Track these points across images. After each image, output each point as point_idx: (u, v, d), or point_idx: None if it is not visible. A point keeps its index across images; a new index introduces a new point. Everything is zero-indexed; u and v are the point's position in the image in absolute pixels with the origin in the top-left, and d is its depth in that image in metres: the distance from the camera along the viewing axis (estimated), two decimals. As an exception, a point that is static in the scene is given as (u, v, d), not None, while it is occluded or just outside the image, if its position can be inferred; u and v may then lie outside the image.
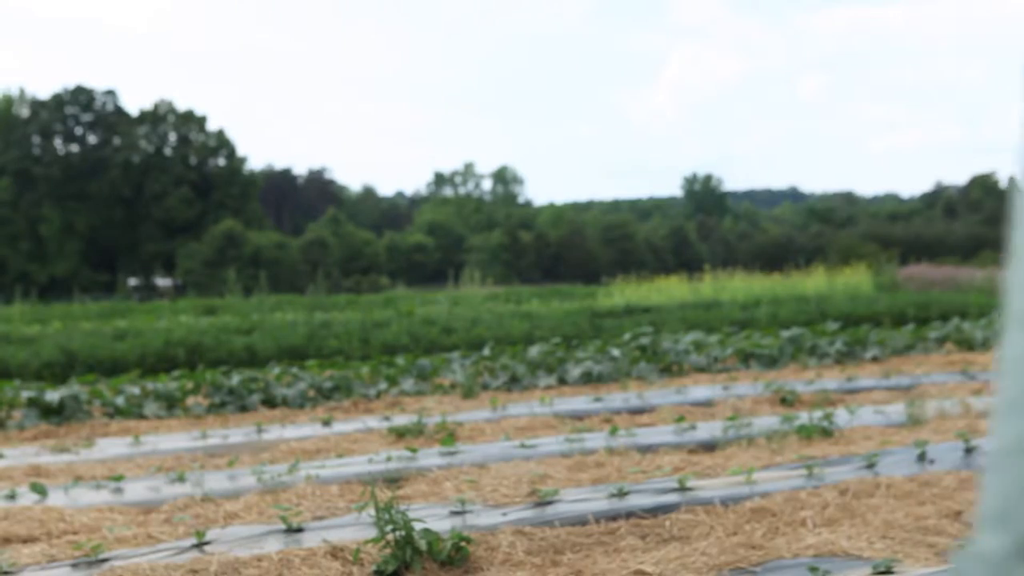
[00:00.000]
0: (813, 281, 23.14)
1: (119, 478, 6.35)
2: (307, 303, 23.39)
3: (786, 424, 7.59)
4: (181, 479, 6.34)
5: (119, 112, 66.98)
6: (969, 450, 6.45)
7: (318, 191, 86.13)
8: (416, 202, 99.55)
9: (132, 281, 68.84)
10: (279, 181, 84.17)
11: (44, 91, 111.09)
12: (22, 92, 66.50)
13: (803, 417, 7.76)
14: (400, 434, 7.78)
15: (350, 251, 64.61)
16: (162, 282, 69.78)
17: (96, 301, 50.05)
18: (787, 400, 9.03)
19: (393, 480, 6.33)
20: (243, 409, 9.37)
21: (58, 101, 65.80)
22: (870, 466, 6.14)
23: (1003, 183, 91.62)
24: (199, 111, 69.70)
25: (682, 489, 5.75)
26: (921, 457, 6.29)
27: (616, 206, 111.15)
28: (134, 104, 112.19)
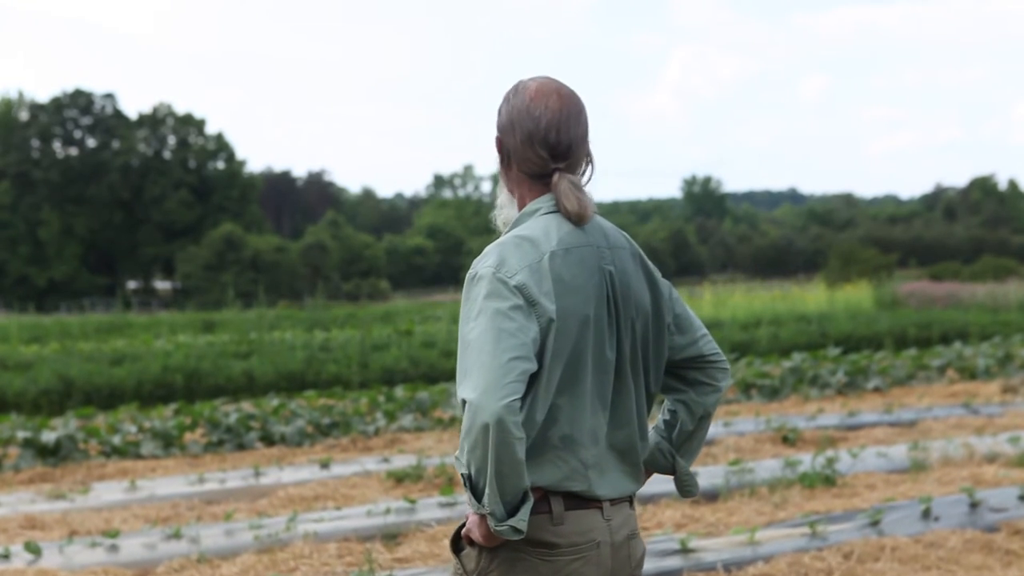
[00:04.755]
0: (814, 297, 23.13)
1: (115, 534, 6.26)
2: (306, 318, 23.32)
3: (788, 470, 7.53)
4: (177, 535, 6.26)
5: (118, 115, 66.88)
6: (974, 505, 6.38)
7: (317, 193, 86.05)
8: (415, 204, 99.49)
9: (131, 284, 68.82)
10: (278, 183, 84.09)
11: (43, 94, 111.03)
12: (21, 95, 66.42)
13: (805, 462, 7.70)
14: (399, 479, 7.72)
15: (349, 254, 64.52)
16: (161, 285, 69.79)
17: (94, 308, 49.96)
18: (788, 439, 8.97)
19: (391, 536, 6.27)
20: (241, 447, 9.29)
21: (57, 104, 65.70)
22: (874, 524, 6.06)
23: (1003, 185, 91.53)
24: (198, 114, 69.85)
25: (685, 551, 5.68)
26: (926, 513, 6.21)
27: (615, 207, 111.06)
28: (133, 107, 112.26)
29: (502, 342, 2.10)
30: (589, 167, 2.41)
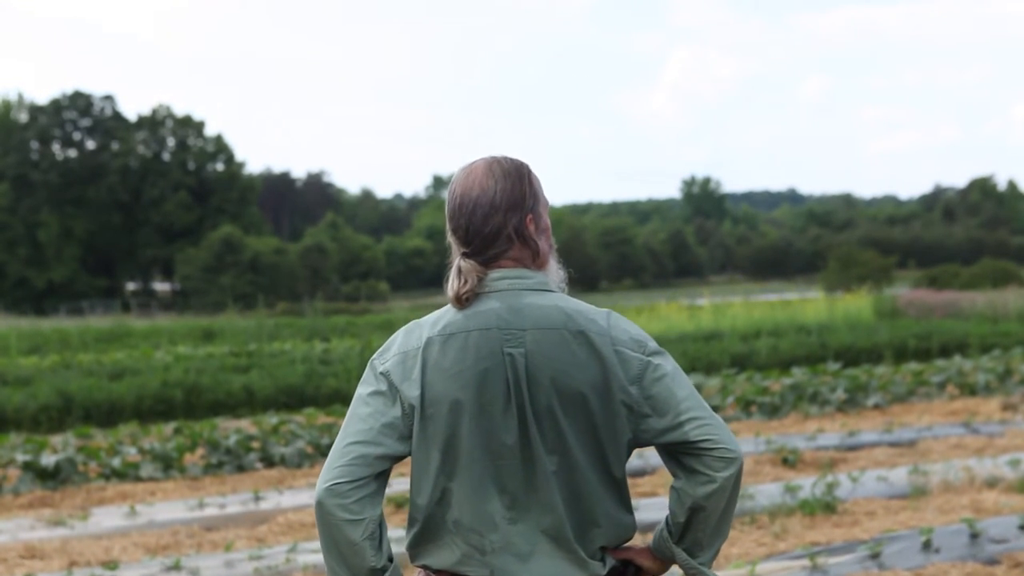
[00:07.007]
0: (813, 307, 23.16)
1: (114, 566, 6.25)
2: (306, 327, 23.37)
3: (788, 495, 7.53)
4: (177, 567, 6.25)
5: (117, 117, 66.87)
6: (974, 536, 6.37)
7: (317, 194, 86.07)
8: (415, 204, 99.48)
9: (130, 286, 68.82)
10: (277, 184, 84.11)
11: (42, 96, 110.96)
12: (20, 97, 66.40)
13: (806, 487, 7.69)
14: (399, 504, 7.72)
15: (349, 256, 64.50)
16: (160, 287, 69.80)
17: (93, 310, 49.92)
18: (789, 460, 8.97)
19: (392, 568, 6.25)
20: (240, 469, 9.28)
21: (56, 106, 65.68)
22: (875, 556, 6.05)
23: (1002, 186, 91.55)
24: (197, 116, 69.69)
25: (684, 586, 5.68)
26: (926, 545, 6.20)
27: (615, 208, 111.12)
28: (132, 109, 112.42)
29: (349, 427, 2.22)
30: (522, 247, 2.28)
